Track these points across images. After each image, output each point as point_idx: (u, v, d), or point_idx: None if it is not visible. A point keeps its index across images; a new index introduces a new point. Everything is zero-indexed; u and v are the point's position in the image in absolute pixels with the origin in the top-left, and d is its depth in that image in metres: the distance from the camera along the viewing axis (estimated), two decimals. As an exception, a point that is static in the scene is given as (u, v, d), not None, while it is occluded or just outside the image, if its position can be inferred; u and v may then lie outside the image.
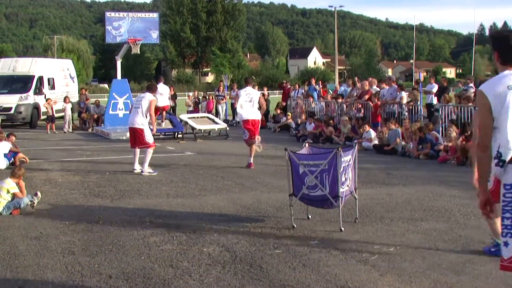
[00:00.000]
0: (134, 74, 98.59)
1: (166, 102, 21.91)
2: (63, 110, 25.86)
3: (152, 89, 14.05)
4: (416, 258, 6.51)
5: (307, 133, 20.80)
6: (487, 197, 4.40)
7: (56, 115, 26.27)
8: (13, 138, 15.14)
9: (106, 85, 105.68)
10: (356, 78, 27.73)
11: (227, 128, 22.25)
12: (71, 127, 25.46)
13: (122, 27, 24.58)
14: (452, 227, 7.91)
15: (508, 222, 4.05)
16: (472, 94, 19.12)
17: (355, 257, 6.57)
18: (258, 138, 13.96)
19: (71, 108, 26.24)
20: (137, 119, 13.18)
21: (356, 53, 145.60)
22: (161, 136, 21.33)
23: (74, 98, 30.61)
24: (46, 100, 26.16)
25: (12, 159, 14.31)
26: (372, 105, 20.24)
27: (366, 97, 20.90)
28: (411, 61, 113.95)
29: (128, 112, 24.39)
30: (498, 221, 4.83)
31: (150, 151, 13.19)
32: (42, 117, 28.63)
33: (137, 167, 13.20)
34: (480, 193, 4.43)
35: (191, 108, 29.08)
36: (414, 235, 7.47)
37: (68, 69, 34.28)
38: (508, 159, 4.35)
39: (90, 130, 25.66)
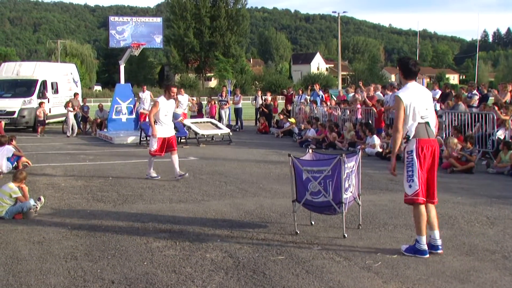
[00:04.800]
0: (137, 78, 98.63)
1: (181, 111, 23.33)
2: (66, 114, 25.83)
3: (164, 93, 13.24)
4: (419, 265, 6.49)
5: (310, 139, 20.78)
6: (395, 164, 7.22)
7: (58, 119, 26.39)
8: (14, 141, 15.15)
9: (99, 87, 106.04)
10: (360, 83, 27.73)
11: (230, 133, 22.23)
12: (75, 132, 25.43)
13: (125, 32, 24.60)
14: (456, 234, 7.88)
15: (410, 173, 6.94)
16: (477, 101, 19.11)
17: (359, 264, 6.55)
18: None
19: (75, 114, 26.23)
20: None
21: (359, 58, 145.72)
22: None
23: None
24: (40, 104, 26.26)
25: (15, 163, 14.31)
26: (376, 111, 20.22)
27: (371, 103, 20.88)
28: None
29: (131, 116, 24.56)
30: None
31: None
32: (46, 120, 28.71)
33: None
34: (392, 161, 7.27)
35: (194, 113, 29.06)
36: (417, 242, 7.43)
37: (71, 73, 34.36)
38: (411, 136, 6.96)
39: (93, 134, 25.68)
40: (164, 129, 12.81)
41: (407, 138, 7.01)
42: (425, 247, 6.81)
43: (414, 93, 6.97)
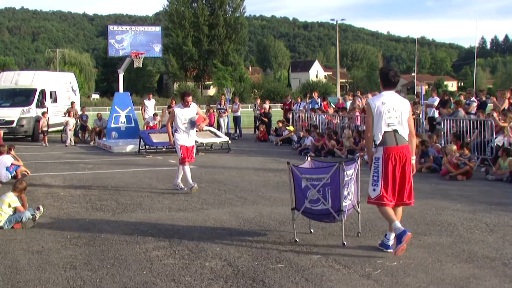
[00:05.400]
0: (136, 87, 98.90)
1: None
2: (66, 123, 25.80)
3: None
4: (419, 272, 6.48)
5: (309, 146, 20.78)
6: (371, 162, 7.39)
7: (56, 128, 26.41)
8: (12, 150, 15.16)
9: (97, 96, 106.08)
10: (358, 92, 27.80)
11: (229, 142, 22.24)
12: (73, 141, 25.42)
13: (124, 41, 24.61)
14: (455, 241, 7.87)
15: (375, 178, 7.27)
16: (475, 108, 19.14)
17: (358, 272, 6.54)
18: None
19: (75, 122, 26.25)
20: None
21: (358, 66, 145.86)
22: (164, 149, 21.33)
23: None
24: (42, 114, 26.28)
25: (14, 172, 14.30)
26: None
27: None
28: (413, 74, 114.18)
29: (130, 125, 24.56)
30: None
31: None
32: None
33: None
34: (368, 160, 7.54)
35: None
36: (417, 249, 7.43)
37: (70, 82, 34.39)
38: (377, 143, 7.27)
39: (92, 143, 25.67)
40: (185, 137, 12.53)
41: (374, 145, 7.33)
42: (391, 242, 7.34)
43: (384, 101, 7.27)
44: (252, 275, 6.48)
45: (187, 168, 12.59)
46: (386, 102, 7.25)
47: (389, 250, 7.30)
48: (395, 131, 7.22)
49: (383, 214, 7.36)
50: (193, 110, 12.60)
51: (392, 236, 7.31)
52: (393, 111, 7.24)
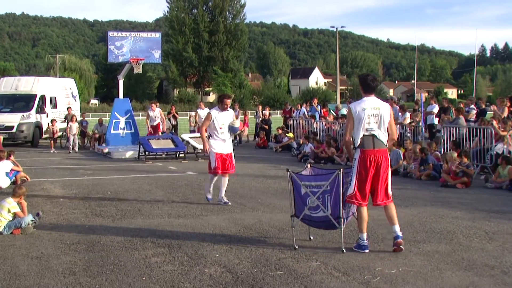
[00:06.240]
0: (136, 93, 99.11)
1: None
2: (67, 129, 25.75)
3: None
4: (418, 280, 6.48)
5: (309, 153, 20.78)
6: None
7: (57, 134, 26.41)
8: (12, 156, 15.17)
9: (96, 101, 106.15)
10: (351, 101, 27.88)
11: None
12: (77, 147, 25.30)
13: (124, 47, 24.67)
14: (454, 249, 7.87)
15: (351, 178, 7.60)
16: (474, 116, 19.15)
17: (357, 279, 6.53)
18: None
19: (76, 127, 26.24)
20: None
21: (358, 73, 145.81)
22: (163, 155, 21.34)
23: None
24: (51, 121, 26.29)
25: (14, 178, 14.31)
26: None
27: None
28: (413, 81, 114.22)
29: (130, 131, 24.55)
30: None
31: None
32: (44, 135, 28.75)
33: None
34: (350, 160, 7.86)
35: (192, 128, 29.06)
36: (416, 257, 7.43)
37: (70, 88, 34.42)
38: (356, 146, 7.62)
39: (91, 149, 25.67)
40: (221, 144, 11.48)
41: (354, 146, 7.71)
42: (365, 242, 7.68)
43: (365, 107, 7.61)
44: (251, 282, 6.48)
45: (225, 179, 11.67)
46: (367, 108, 7.58)
47: (399, 240, 7.63)
48: (374, 135, 7.57)
49: (357, 214, 7.76)
50: (230, 114, 11.65)
51: (397, 227, 7.74)
52: (372, 117, 7.58)
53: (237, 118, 12.65)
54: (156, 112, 25.31)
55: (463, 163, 14.43)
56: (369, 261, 7.24)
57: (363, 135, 7.53)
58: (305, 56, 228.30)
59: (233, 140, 27.92)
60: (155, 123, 25.48)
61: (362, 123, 7.52)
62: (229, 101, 11.68)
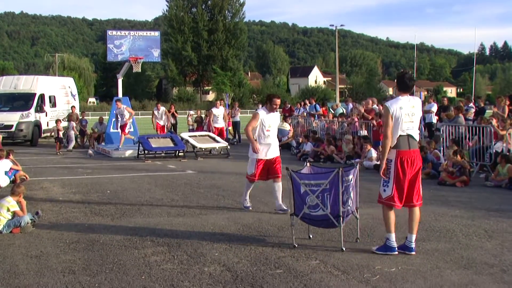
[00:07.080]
0: (135, 92, 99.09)
1: (221, 124, 25.01)
2: (67, 128, 25.74)
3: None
4: (417, 279, 6.48)
5: (308, 152, 20.77)
6: (385, 168, 7.45)
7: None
8: (11, 155, 15.16)
9: (94, 100, 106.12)
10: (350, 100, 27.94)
11: (228, 147, 22.25)
12: (73, 144, 25.25)
13: (123, 46, 24.66)
14: (454, 247, 7.87)
15: (387, 180, 7.44)
16: (473, 114, 19.16)
17: (357, 278, 6.53)
18: None
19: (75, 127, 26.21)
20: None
21: (357, 72, 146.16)
22: (163, 154, 21.33)
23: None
24: (56, 122, 26.21)
25: (13, 177, 14.30)
26: (375, 123, 20.13)
27: (370, 116, 20.89)
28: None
29: (129, 130, 24.49)
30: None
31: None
32: (44, 134, 28.75)
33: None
34: (383, 164, 7.48)
35: (191, 127, 29.08)
36: (415, 255, 7.43)
37: (69, 87, 34.39)
38: (392, 146, 7.40)
39: (91, 148, 25.64)
40: (265, 149, 10.56)
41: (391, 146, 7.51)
42: (395, 244, 7.49)
43: (401, 106, 7.41)
44: (250, 280, 6.48)
45: (279, 185, 10.70)
46: (404, 107, 7.41)
47: (412, 253, 7.48)
48: (409, 135, 7.44)
49: (384, 217, 7.56)
50: (278, 116, 10.91)
51: (413, 238, 7.56)
52: (409, 116, 7.45)
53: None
54: (161, 111, 25.90)
55: (457, 163, 14.37)
56: (369, 260, 7.24)
57: (400, 135, 7.39)
58: (305, 54, 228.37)
59: (232, 139, 28.35)
60: (161, 122, 25.83)
61: (399, 123, 7.36)
62: (278, 101, 10.64)
